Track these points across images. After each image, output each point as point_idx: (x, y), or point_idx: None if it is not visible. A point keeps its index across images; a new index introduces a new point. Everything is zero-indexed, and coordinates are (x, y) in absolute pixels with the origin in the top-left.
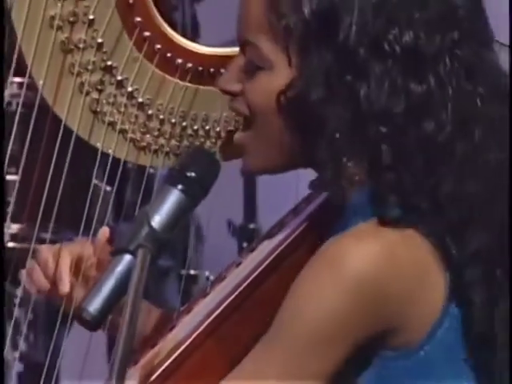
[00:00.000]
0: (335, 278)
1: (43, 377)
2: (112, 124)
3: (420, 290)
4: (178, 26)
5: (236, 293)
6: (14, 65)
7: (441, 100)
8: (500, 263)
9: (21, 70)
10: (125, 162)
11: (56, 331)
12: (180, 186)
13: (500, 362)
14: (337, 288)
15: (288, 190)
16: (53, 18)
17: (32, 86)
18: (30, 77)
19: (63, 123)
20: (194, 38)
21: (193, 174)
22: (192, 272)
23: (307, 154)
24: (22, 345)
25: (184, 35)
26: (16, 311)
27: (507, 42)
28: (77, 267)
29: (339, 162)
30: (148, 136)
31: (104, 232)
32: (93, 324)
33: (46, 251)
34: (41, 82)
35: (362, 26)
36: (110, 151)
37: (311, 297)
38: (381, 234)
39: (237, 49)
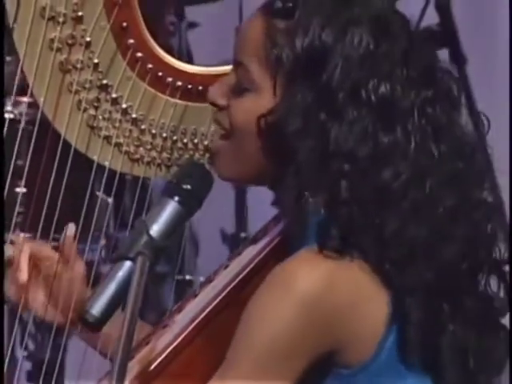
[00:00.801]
0: (283, 300)
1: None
2: (108, 138)
3: (362, 310)
4: (174, 51)
5: (224, 293)
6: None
7: (403, 152)
8: (445, 295)
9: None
10: (124, 175)
11: (66, 330)
12: (177, 198)
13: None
14: (285, 309)
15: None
16: (52, 40)
17: (36, 105)
18: (31, 95)
19: (62, 138)
20: (189, 61)
21: (188, 187)
22: (187, 277)
23: (274, 177)
24: (30, 344)
25: (180, 59)
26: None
27: (507, 42)
28: (35, 266)
29: (301, 190)
30: (141, 149)
31: (70, 229)
32: (95, 325)
33: (10, 249)
34: (41, 100)
35: (345, 72)
36: (106, 163)
37: (262, 318)
38: (322, 260)
39: (225, 68)
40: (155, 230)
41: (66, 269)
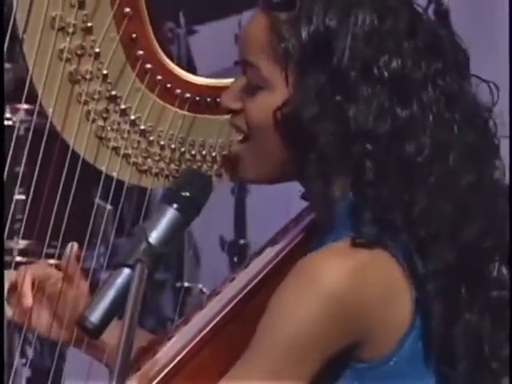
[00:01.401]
0: (308, 294)
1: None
2: (116, 149)
3: (387, 306)
4: (173, 58)
5: (230, 306)
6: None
7: (422, 125)
8: (464, 280)
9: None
10: (123, 183)
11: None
12: (175, 205)
13: (460, 374)
14: (309, 302)
15: (276, 209)
16: (62, 51)
17: (38, 113)
18: (40, 105)
19: (71, 148)
20: (188, 68)
21: (187, 194)
22: (186, 284)
23: (298, 168)
24: (30, 352)
25: (179, 66)
26: None
27: (507, 41)
28: (39, 286)
29: (326, 176)
30: (149, 160)
31: (72, 247)
32: (94, 332)
33: (12, 275)
34: (50, 110)
35: (354, 52)
36: (114, 174)
37: (286, 312)
38: (351, 253)
39: (233, 80)
40: (154, 237)
41: (70, 287)
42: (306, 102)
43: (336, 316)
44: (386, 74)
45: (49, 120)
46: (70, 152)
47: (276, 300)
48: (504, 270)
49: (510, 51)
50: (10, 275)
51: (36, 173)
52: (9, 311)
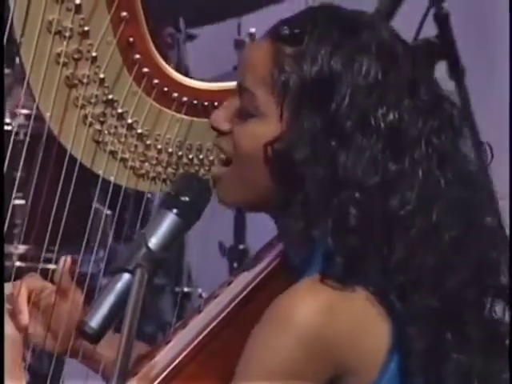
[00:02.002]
0: (281, 336)
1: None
2: (113, 153)
3: (362, 340)
4: (172, 63)
5: (227, 309)
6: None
7: (410, 180)
8: (448, 323)
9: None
10: (124, 188)
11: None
12: (175, 210)
13: None
14: (283, 344)
15: None
16: (59, 55)
17: (37, 117)
18: (37, 109)
19: (68, 152)
20: (187, 73)
21: (187, 199)
22: (186, 289)
23: (278, 204)
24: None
25: (178, 70)
26: None
27: (507, 36)
28: (35, 300)
29: (308, 219)
30: (146, 164)
31: (65, 261)
32: (94, 337)
33: (8, 289)
34: (48, 114)
35: (354, 100)
36: (112, 178)
37: (261, 356)
38: (323, 290)
39: (229, 84)
40: (154, 242)
41: (64, 301)
42: (299, 143)
43: (310, 355)
44: (382, 125)
45: (46, 124)
46: (67, 156)
47: (251, 345)
48: (495, 309)
49: (510, 62)
50: (7, 288)
51: (35, 177)
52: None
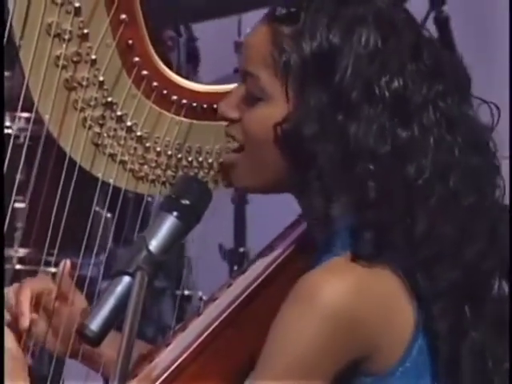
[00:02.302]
0: (308, 314)
1: None
2: (112, 156)
3: (389, 320)
4: (173, 66)
5: (228, 311)
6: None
7: (422, 147)
8: (467, 299)
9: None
10: (124, 191)
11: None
12: (175, 213)
13: None
14: (312, 320)
15: (276, 217)
16: (58, 57)
17: (37, 121)
18: (36, 112)
19: (68, 155)
20: (188, 76)
21: (187, 202)
22: (186, 292)
23: (295, 183)
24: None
25: (179, 74)
26: None
27: (507, 40)
28: (38, 301)
29: (327, 194)
30: (146, 167)
31: (65, 265)
32: (94, 340)
33: (10, 291)
34: (47, 117)
35: (357, 71)
36: (111, 181)
37: (290, 331)
38: (352, 269)
39: (228, 86)
40: (154, 245)
41: (64, 304)
42: (307, 120)
43: (338, 333)
44: (387, 93)
45: (45, 127)
46: (67, 159)
47: (278, 323)
48: (504, 287)
49: (510, 65)
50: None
51: (33, 180)
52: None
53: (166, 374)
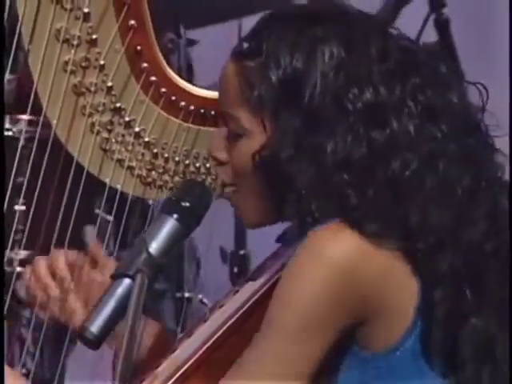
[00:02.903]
0: (316, 267)
1: None
2: (120, 161)
3: (390, 291)
4: (173, 68)
5: (234, 318)
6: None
7: (404, 141)
8: (470, 283)
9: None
10: (125, 194)
11: (65, 348)
12: (175, 215)
13: (468, 378)
14: (318, 275)
15: None
16: (66, 63)
17: (35, 123)
18: (42, 116)
19: (75, 160)
20: (188, 79)
21: (187, 204)
22: (186, 295)
23: (279, 208)
24: (30, 363)
25: (179, 76)
26: (23, 331)
27: (507, 42)
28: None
29: (307, 215)
30: (153, 173)
31: (91, 232)
32: (94, 342)
33: (42, 261)
34: (54, 122)
35: (324, 87)
36: (118, 186)
37: (296, 286)
38: (355, 232)
39: None
40: (154, 247)
41: (97, 271)
42: (282, 144)
43: (344, 286)
44: (359, 105)
45: (52, 131)
46: (74, 163)
47: (284, 277)
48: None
49: (510, 67)
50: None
51: (32, 183)
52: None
53: (171, 381)
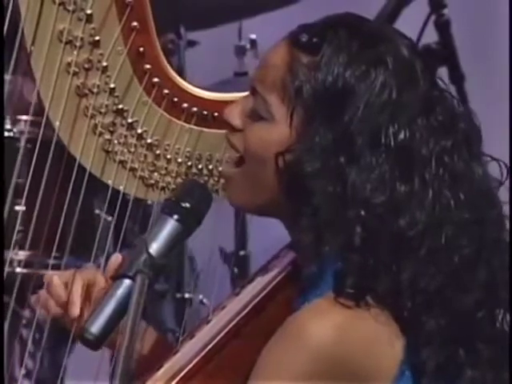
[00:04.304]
0: (297, 351)
1: None
2: (123, 163)
3: (373, 361)
4: (173, 69)
5: (236, 320)
6: (33, 103)
7: (420, 200)
8: (460, 342)
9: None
10: (124, 194)
11: (67, 349)
12: (176, 216)
13: None
14: (298, 359)
15: (276, 220)
16: (69, 64)
17: (37, 124)
18: (40, 116)
19: (77, 162)
20: (189, 80)
21: (188, 205)
22: (187, 295)
23: (287, 213)
24: (30, 363)
25: (179, 77)
26: (23, 331)
27: (507, 43)
28: (88, 293)
29: (317, 233)
30: (156, 174)
31: (116, 258)
32: (95, 343)
33: (57, 279)
34: (57, 123)
35: (366, 116)
36: (121, 188)
37: (276, 369)
38: (337, 311)
39: (240, 94)
40: (155, 248)
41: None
42: (310, 155)
43: (322, 372)
44: (392, 144)
45: (56, 133)
46: (64, 161)
47: (263, 361)
48: (505, 323)
49: (510, 68)
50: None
51: (32, 183)
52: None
53: (173, 382)
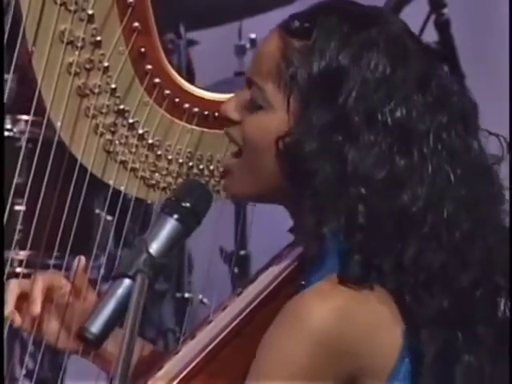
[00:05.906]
0: (298, 334)
1: None
2: (124, 163)
3: (374, 343)
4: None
5: (237, 319)
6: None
7: (420, 175)
8: (460, 324)
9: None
10: (124, 194)
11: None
12: (176, 216)
13: None
14: (300, 342)
15: (277, 220)
16: (70, 64)
17: (37, 123)
18: (48, 118)
19: (79, 162)
20: (189, 79)
21: (188, 205)
22: (187, 295)
23: (289, 198)
24: (29, 363)
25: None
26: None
27: (507, 43)
28: (48, 296)
29: (319, 212)
30: (157, 174)
31: (80, 261)
32: (95, 343)
33: (13, 284)
34: (58, 124)
35: (361, 96)
36: (122, 188)
37: (278, 353)
38: (339, 293)
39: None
40: (155, 247)
41: (77, 299)
42: (308, 137)
43: (324, 355)
44: (389, 121)
45: (57, 133)
46: (65, 161)
47: (265, 344)
48: (505, 309)
49: (510, 69)
50: (13, 283)
51: (33, 183)
52: (18, 319)
53: (175, 382)
